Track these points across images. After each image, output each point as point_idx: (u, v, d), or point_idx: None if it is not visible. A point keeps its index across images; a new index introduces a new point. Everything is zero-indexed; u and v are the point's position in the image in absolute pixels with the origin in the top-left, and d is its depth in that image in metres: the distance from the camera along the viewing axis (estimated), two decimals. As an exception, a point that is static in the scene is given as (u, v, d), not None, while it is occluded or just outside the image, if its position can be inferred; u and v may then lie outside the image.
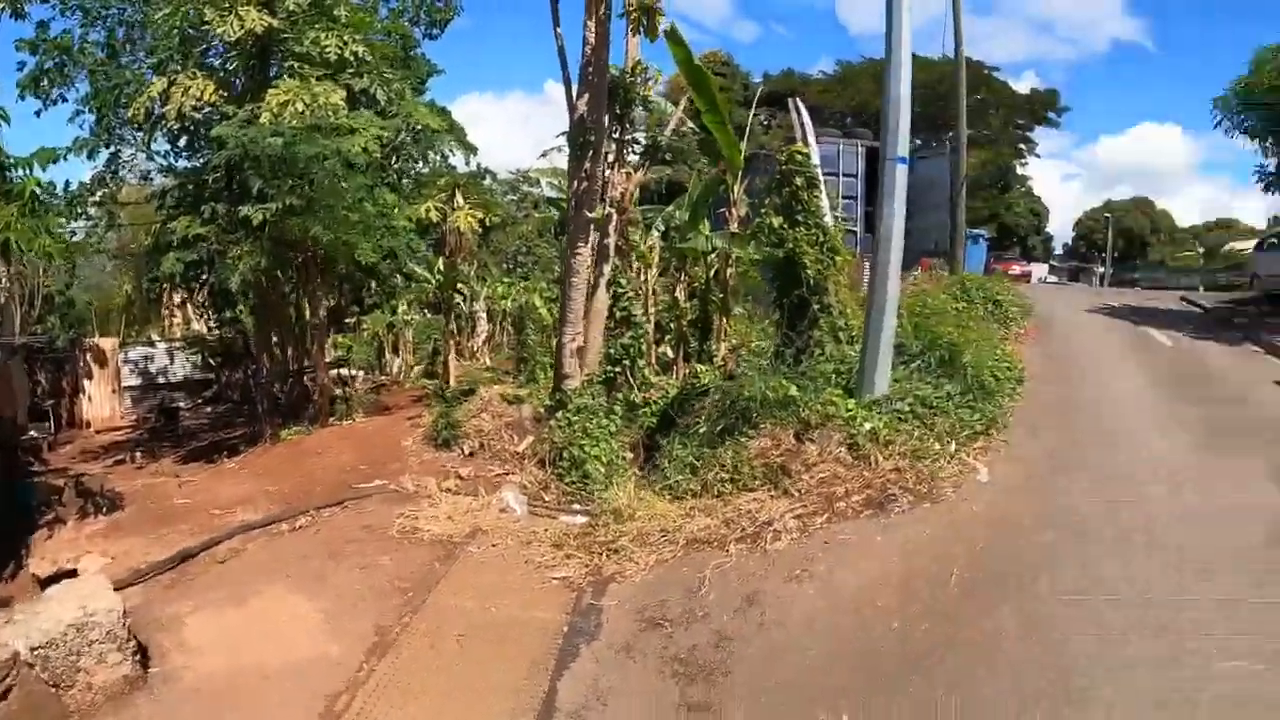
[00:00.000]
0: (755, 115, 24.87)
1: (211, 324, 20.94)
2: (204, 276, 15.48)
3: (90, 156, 15.85)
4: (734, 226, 16.04)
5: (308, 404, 15.56)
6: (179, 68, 14.67)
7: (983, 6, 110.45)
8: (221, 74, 15.20)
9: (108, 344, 22.64)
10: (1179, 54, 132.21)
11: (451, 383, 17.42)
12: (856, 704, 5.80)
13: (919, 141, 41.48)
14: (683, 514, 8.91)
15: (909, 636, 6.45)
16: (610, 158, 13.75)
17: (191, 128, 15.50)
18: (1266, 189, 22.06)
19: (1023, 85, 75.70)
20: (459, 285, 21.68)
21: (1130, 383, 13.90)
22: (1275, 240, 25.89)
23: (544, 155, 21.46)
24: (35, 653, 5.96)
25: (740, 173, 16.24)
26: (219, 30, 13.89)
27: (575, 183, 12.80)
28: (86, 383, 21.46)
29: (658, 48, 13.46)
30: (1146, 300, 27.22)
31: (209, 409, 22.34)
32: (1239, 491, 8.70)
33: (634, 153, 15.12)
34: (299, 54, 14.38)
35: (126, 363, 23.28)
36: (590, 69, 12.42)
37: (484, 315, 26.72)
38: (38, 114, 15.72)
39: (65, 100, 15.91)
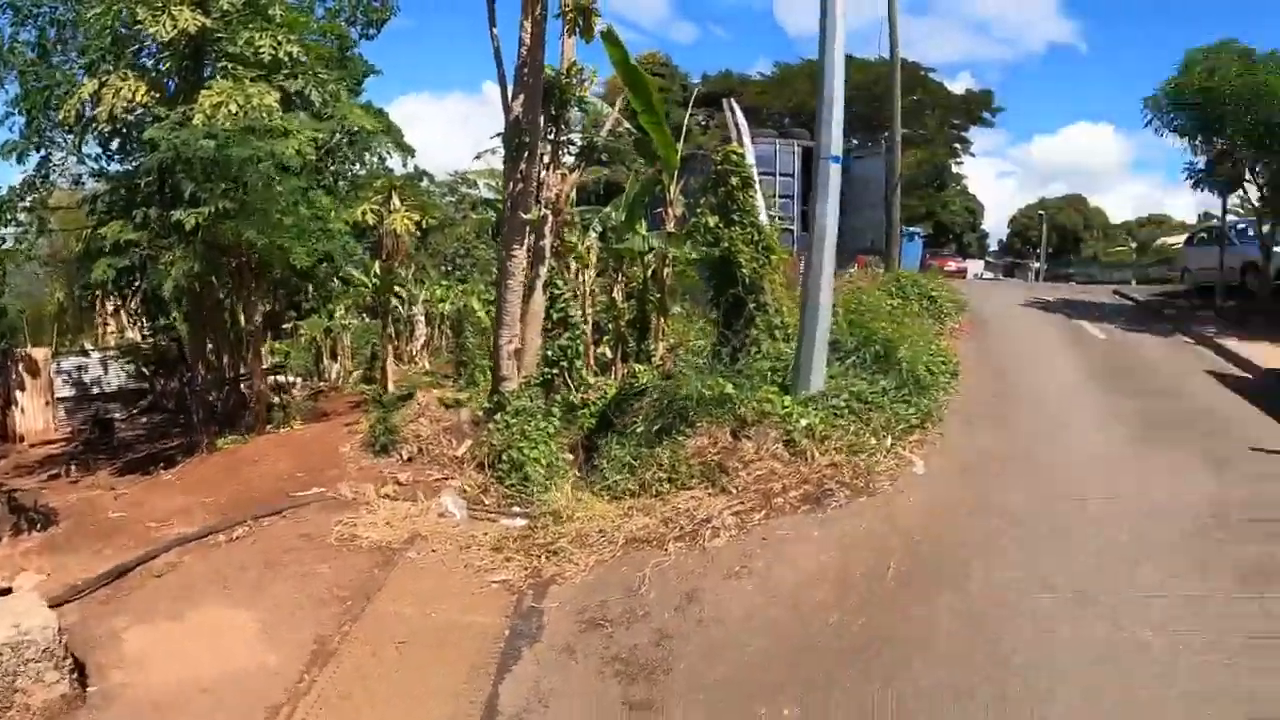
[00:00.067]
0: (693, 115, 24.91)
1: (145, 332, 20.40)
2: (137, 283, 15.07)
3: (20, 160, 15.42)
4: (671, 226, 16.03)
5: (244, 412, 15.21)
6: (111, 68, 14.25)
7: (919, 8, 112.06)
8: (154, 75, 14.81)
9: (40, 354, 21.90)
10: (1112, 55, 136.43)
11: (390, 387, 17.17)
12: (794, 698, 5.80)
13: (856, 141, 42.00)
14: (621, 514, 8.87)
15: (846, 630, 6.48)
16: (546, 159, 13.66)
17: (124, 130, 15.06)
18: (1196, 186, 22.56)
19: (958, 86, 76.80)
20: (396, 289, 21.41)
21: (1064, 375, 14.19)
22: (1205, 235, 26.60)
23: (479, 157, 21.25)
24: (-30, 674, 5.74)
25: (677, 173, 16.21)
26: (151, 30, 13.51)
27: (510, 184, 12.69)
28: (19, 394, 20.70)
29: (595, 49, 13.43)
30: (1080, 295, 27.80)
31: (145, 419, 21.68)
32: (1173, 481, 8.92)
33: (570, 154, 15.04)
34: (233, 55, 14.02)
35: (60, 373, 22.51)
36: (526, 70, 12.32)
37: (422, 319, 26.35)
38: (-35, 118, 15.21)
39: (-6, 103, 15.45)
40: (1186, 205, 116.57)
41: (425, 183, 30.27)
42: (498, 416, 12.07)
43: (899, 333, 12.34)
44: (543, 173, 13.43)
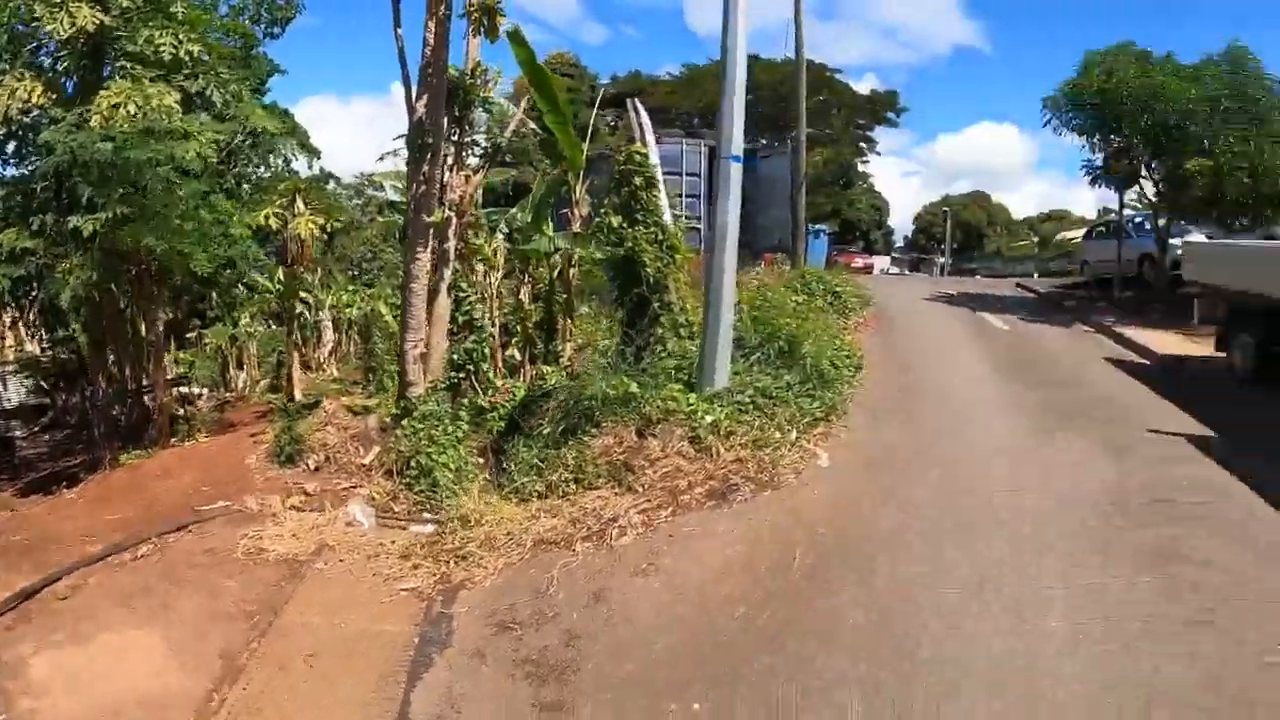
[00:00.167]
0: (601, 116, 24.96)
1: (44, 344, 19.69)
2: (34, 293, 14.54)
3: (-87, 165, 14.61)
4: (577, 226, 15.98)
5: (148, 425, 14.66)
6: (6, 68, 13.58)
7: (826, 12, 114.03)
8: (51, 75, 14.12)
9: (-65, 371, 20.91)
10: (1015, 56, 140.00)
11: (297, 396, 16.77)
12: (702, 694, 5.83)
13: (763, 141, 42.42)
14: (529, 516, 8.82)
15: (752, 624, 6.54)
16: (450, 160, 13.47)
17: (19, 133, 14.39)
18: (1094, 182, 23.56)
19: (864, 86, 78.09)
20: (302, 294, 20.91)
21: (968, 368, 14.52)
22: (1103, 229, 27.68)
23: (383, 158, 20.97)
24: None
25: (583, 173, 16.20)
26: (49, 27, 12.88)
27: (414, 186, 12.53)
28: (-85, 414, 19.74)
29: (501, 49, 13.32)
30: (984, 288, 28.63)
31: (47, 436, 20.79)
32: (1075, 470, 9.17)
33: (474, 155, 14.87)
34: (132, 53, 13.44)
35: (-44, 391, 21.55)
36: (430, 70, 12.16)
37: (329, 324, 25.82)
38: None
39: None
40: (1087, 201, 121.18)
41: (331, 185, 29.75)
42: (405, 422, 11.88)
43: (803, 328, 12.49)
44: (447, 174, 13.24)
